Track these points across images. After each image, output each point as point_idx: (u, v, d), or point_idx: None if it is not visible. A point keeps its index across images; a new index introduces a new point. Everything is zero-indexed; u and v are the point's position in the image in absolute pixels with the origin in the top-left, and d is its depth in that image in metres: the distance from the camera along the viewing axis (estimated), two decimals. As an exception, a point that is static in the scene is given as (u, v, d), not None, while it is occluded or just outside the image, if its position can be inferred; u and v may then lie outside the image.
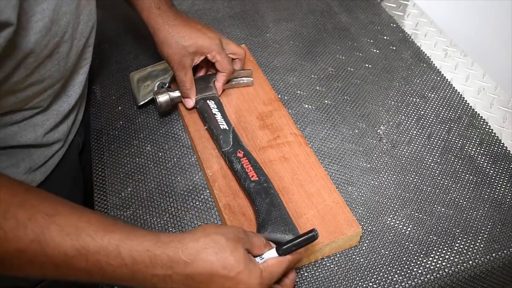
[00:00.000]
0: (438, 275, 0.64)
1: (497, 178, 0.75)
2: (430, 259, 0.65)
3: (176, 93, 0.81)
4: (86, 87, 0.84)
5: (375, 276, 0.64)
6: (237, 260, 0.48)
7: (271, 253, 0.54)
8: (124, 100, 0.89)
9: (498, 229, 0.69)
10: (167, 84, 0.86)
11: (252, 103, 0.82)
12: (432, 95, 0.89)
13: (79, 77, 0.74)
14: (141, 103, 0.85)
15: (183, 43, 0.75)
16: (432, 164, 0.77)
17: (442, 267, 0.65)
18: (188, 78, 0.78)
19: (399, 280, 0.63)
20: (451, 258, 0.65)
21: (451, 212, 0.71)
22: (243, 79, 0.85)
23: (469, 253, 0.66)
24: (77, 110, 0.80)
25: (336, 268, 0.65)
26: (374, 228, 0.69)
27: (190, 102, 0.79)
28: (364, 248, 0.67)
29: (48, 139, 0.71)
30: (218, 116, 0.77)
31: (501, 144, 0.80)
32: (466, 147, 0.80)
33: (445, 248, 0.66)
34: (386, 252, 0.66)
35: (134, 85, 0.88)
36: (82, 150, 0.88)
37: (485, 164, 0.77)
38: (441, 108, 0.86)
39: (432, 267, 0.64)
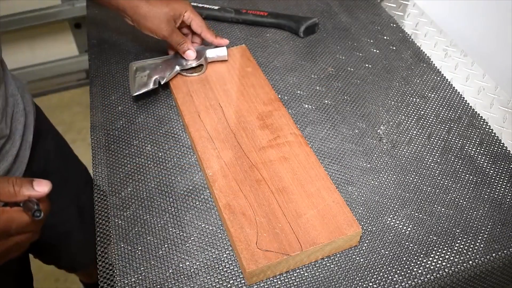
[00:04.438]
0: (438, 275, 0.64)
1: (497, 178, 0.75)
2: (430, 259, 0.65)
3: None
4: (15, 103, 0.81)
5: (375, 276, 0.64)
6: None
7: None
8: (124, 100, 0.89)
9: (498, 229, 0.69)
10: (164, 80, 0.87)
11: (252, 103, 0.82)
12: (432, 95, 0.89)
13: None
14: (136, 94, 0.85)
15: (163, 10, 0.83)
16: (432, 164, 0.77)
17: (442, 267, 0.65)
18: (180, 36, 0.86)
19: (399, 280, 0.63)
20: (451, 258, 0.65)
21: (451, 212, 0.71)
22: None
23: (469, 253, 0.66)
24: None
25: (336, 268, 0.65)
26: (374, 228, 0.69)
27: (192, 53, 0.86)
28: (364, 248, 0.67)
29: None
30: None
31: (501, 144, 0.80)
32: (466, 147, 0.80)
33: (445, 248, 0.66)
34: (386, 252, 0.66)
35: (131, 74, 0.89)
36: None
37: (485, 164, 0.77)
38: (441, 108, 0.86)
39: (432, 267, 0.64)
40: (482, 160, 0.78)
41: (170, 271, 0.65)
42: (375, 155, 0.79)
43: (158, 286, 0.63)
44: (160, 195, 0.74)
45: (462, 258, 0.65)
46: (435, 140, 0.81)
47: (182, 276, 0.64)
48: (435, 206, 0.71)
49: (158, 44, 1.01)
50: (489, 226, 0.69)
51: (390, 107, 0.87)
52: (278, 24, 1.03)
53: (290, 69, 0.94)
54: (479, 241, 0.67)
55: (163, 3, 0.83)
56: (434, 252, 0.66)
